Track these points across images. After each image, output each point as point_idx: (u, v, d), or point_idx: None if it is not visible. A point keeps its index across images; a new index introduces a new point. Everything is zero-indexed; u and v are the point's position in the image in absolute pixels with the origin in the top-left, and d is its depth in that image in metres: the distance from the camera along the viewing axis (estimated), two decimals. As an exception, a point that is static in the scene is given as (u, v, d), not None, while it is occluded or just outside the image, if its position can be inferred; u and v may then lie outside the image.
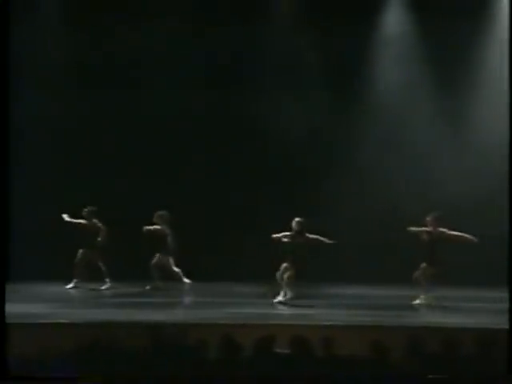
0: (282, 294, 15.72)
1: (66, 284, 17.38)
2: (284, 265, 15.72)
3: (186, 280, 16.94)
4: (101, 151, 18.99)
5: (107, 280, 17.29)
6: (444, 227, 15.76)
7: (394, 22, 19.08)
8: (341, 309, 15.31)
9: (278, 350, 8.78)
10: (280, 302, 15.64)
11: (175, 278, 16.98)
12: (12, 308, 14.47)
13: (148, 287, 17.12)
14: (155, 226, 16.91)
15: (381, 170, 18.68)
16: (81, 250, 17.31)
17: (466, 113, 19.02)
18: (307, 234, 15.67)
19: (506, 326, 12.89)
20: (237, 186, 18.71)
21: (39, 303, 15.50)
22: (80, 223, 17.24)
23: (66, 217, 17.17)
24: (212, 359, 8.57)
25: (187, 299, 16.61)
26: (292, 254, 15.69)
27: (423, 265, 15.76)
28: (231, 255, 18.04)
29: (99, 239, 17.17)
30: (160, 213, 16.94)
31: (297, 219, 15.75)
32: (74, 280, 17.40)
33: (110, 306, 15.73)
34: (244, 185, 18.76)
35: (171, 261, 17.01)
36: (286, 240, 15.72)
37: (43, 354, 8.56)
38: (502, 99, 18.35)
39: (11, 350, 9.02)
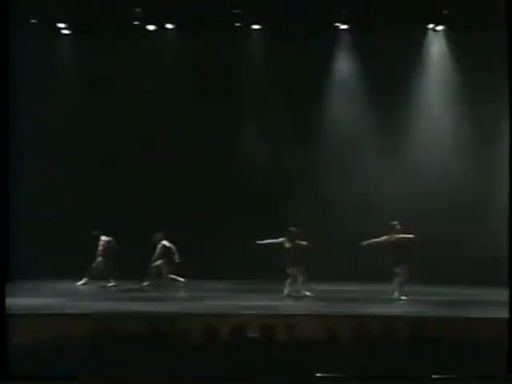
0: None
1: (76, 281, 17.47)
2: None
3: (181, 279, 17.15)
4: (101, 154, 18.85)
5: (112, 280, 17.45)
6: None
7: (344, 66, 19.27)
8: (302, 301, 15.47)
9: (250, 335, 8.89)
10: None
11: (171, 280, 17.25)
12: (30, 301, 14.72)
13: (145, 284, 17.28)
14: (158, 252, 17.18)
15: (334, 194, 18.52)
16: (99, 259, 17.49)
17: (406, 142, 19.13)
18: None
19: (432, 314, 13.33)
20: (210, 207, 18.69)
21: (53, 297, 15.54)
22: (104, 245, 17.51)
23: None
24: (196, 342, 8.62)
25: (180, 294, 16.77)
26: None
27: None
28: (210, 259, 17.99)
29: (112, 251, 17.42)
30: (156, 234, 17.26)
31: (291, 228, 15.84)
32: (85, 279, 17.50)
33: (114, 299, 15.81)
34: (217, 206, 18.75)
35: (169, 269, 17.24)
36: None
37: (58, 340, 8.62)
38: (434, 129, 18.83)
39: (26, 337, 8.98)
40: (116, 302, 15.10)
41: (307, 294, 15.66)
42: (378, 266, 17.33)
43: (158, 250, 17.29)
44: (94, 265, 17.46)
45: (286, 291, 15.71)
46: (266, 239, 15.80)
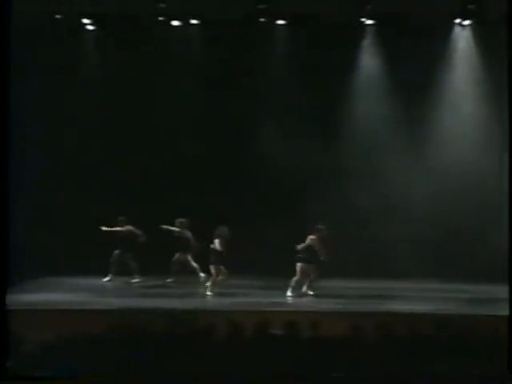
0: None
1: (102, 278, 17.50)
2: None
3: (202, 274, 17.08)
4: (106, 151, 18.74)
5: (136, 276, 17.44)
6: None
7: (369, 63, 19.02)
8: (325, 298, 15.41)
9: (274, 332, 8.84)
10: None
11: (193, 273, 17.11)
12: (55, 297, 14.85)
13: (168, 280, 17.25)
14: (173, 228, 17.08)
15: (360, 194, 18.20)
16: (116, 252, 17.44)
17: (429, 139, 18.85)
18: None
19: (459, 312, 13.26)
20: (235, 206, 18.16)
21: (78, 293, 15.64)
22: (117, 231, 17.39)
23: (103, 228, 17.26)
24: (219, 339, 8.65)
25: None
26: None
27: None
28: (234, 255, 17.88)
29: (138, 240, 17.28)
30: (180, 219, 17.11)
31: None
32: (110, 275, 17.51)
33: (137, 295, 15.89)
34: (242, 204, 18.38)
35: (190, 258, 17.15)
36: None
37: (80, 336, 8.63)
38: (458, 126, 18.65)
39: (52, 332, 9.00)
40: (135, 299, 15.22)
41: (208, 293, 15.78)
42: (405, 266, 17.45)
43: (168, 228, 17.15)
44: (111, 259, 17.44)
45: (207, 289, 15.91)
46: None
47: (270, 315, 10.87)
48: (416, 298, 15.54)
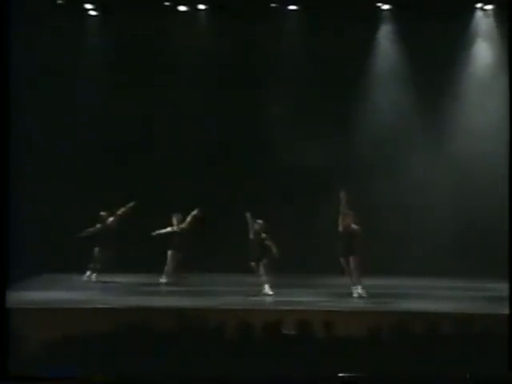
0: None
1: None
2: None
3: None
4: (107, 147, 18.76)
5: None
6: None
7: (386, 50, 18.97)
8: (339, 296, 15.36)
9: (285, 332, 8.83)
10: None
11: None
12: (56, 295, 14.89)
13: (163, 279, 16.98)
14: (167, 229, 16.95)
15: (376, 191, 18.30)
16: (96, 248, 17.18)
17: (454, 132, 18.81)
18: None
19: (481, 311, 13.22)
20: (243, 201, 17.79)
21: (78, 291, 15.62)
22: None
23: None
24: (229, 339, 8.64)
25: None
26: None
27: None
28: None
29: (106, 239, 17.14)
30: (176, 215, 16.94)
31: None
32: (90, 272, 17.24)
33: (142, 293, 15.85)
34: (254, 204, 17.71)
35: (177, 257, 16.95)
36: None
37: (85, 335, 8.66)
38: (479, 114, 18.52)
39: (56, 332, 9.03)
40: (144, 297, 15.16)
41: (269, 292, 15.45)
42: (425, 263, 17.47)
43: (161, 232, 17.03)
44: (94, 255, 17.23)
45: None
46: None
47: (281, 314, 10.94)
48: (433, 296, 15.46)
